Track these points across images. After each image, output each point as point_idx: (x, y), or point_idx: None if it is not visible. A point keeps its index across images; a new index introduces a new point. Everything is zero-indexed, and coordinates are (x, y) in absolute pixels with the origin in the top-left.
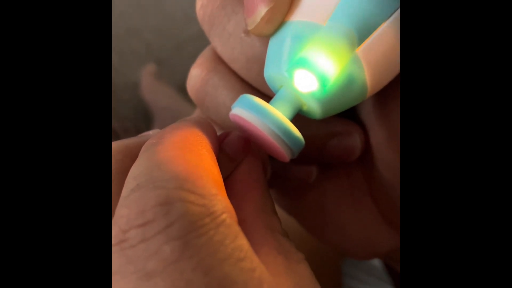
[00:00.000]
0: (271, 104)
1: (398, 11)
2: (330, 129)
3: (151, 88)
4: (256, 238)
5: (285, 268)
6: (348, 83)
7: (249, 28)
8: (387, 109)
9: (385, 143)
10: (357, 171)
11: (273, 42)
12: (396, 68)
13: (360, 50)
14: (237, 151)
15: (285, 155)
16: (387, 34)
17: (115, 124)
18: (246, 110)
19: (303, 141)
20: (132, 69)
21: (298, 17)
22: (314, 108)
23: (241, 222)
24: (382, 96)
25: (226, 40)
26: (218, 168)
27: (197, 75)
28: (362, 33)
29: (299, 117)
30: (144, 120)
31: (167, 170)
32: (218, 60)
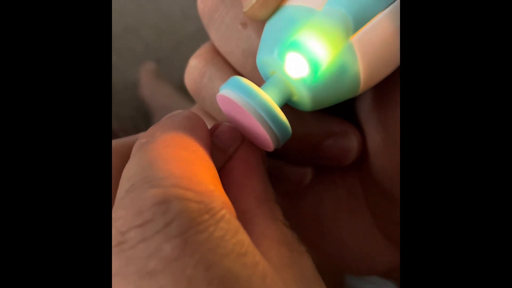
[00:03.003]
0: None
1: (396, 2)
2: (326, 128)
3: (150, 87)
4: (258, 230)
5: (288, 260)
6: (340, 72)
7: (244, 10)
8: (385, 114)
9: (381, 150)
10: (354, 180)
11: (267, 27)
12: (392, 64)
13: (354, 38)
14: (226, 141)
15: (270, 140)
16: (384, 24)
17: (114, 124)
18: (232, 91)
19: (289, 128)
20: (131, 68)
21: (294, 2)
22: (304, 97)
23: (242, 213)
24: (381, 100)
25: (223, 32)
26: (212, 162)
27: (195, 66)
28: (358, 21)
29: (294, 114)
30: (143, 119)
31: (161, 168)
32: (216, 52)
